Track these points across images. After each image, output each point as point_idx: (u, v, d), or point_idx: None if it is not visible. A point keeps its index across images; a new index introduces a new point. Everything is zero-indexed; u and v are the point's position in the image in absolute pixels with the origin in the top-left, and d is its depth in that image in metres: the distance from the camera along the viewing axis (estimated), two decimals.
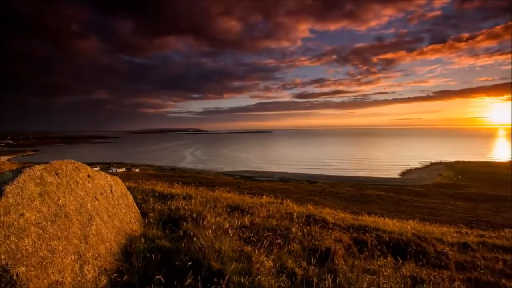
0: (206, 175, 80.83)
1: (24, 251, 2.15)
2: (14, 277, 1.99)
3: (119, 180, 4.66)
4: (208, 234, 3.71)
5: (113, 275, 2.90)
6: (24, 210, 2.35)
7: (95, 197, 3.58)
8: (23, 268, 2.08)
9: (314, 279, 3.20)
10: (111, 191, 4.14)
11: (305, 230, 5.23)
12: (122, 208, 4.20)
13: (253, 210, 6.39)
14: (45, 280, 2.21)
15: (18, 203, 2.34)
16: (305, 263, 3.68)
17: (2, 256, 1.99)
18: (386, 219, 9.07)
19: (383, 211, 34.41)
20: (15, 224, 2.20)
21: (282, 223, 5.38)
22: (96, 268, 2.82)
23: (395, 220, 9.15)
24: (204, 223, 4.33)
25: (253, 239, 4.22)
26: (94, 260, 2.84)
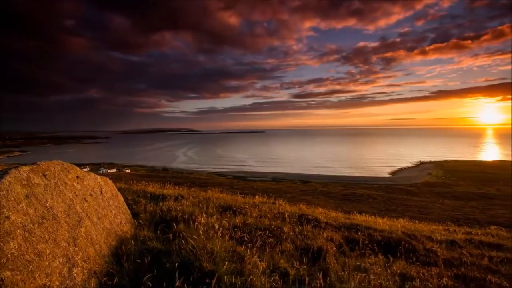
0: (199, 176, 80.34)
1: (9, 255, 2.10)
2: None
3: (109, 181, 4.59)
4: (200, 235, 3.69)
5: (103, 278, 2.86)
6: (10, 213, 2.29)
7: (85, 198, 3.51)
8: (9, 273, 2.03)
9: (306, 278, 3.22)
10: (101, 192, 4.07)
11: (297, 230, 5.26)
12: (112, 209, 4.14)
13: (246, 210, 6.39)
14: (32, 284, 2.16)
15: (3, 205, 2.28)
16: (298, 262, 3.70)
17: None
18: (377, 218, 9.21)
19: (374, 210, 34.92)
20: (0, 227, 2.14)
21: (274, 223, 5.39)
22: (85, 271, 2.77)
23: (385, 219, 9.30)
24: (196, 224, 4.30)
25: (246, 239, 4.22)
26: (83, 262, 2.79)
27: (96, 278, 2.84)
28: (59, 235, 2.68)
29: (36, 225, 2.47)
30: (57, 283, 2.39)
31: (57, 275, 2.42)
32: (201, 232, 3.81)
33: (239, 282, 2.87)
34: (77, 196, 3.36)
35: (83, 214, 3.27)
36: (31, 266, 2.22)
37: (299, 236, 4.99)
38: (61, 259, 2.54)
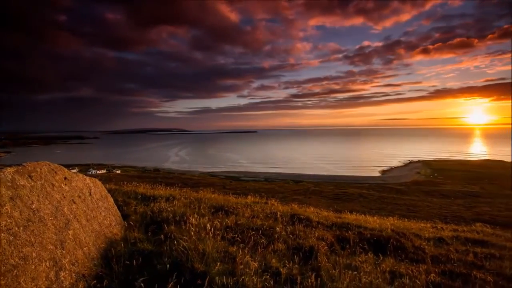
0: (191, 176, 79.71)
1: None
2: None
3: (98, 182, 4.50)
4: (191, 236, 3.67)
5: (92, 281, 2.80)
6: None
7: (73, 200, 3.44)
8: None
9: (298, 278, 3.24)
10: (90, 194, 3.99)
11: (289, 229, 5.29)
12: (101, 211, 4.06)
13: (238, 211, 6.38)
14: None
15: None
16: (290, 262, 3.73)
17: None
18: (368, 216, 9.36)
19: (364, 208, 35.46)
20: None
21: (266, 223, 5.40)
22: (73, 274, 2.71)
23: (376, 217, 9.45)
24: (188, 224, 4.27)
25: (238, 239, 4.22)
26: (71, 266, 2.73)
27: (84, 282, 2.78)
28: (46, 238, 2.61)
29: (21, 228, 2.40)
30: (44, 287, 2.33)
31: (44, 279, 2.36)
32: (192, 233, 3.78)
33: (231, 283, 2.86)
34: (65, 197, 3.28)
35: (71, 216, 3.19)
36: (16, 271, 2.15)
37: (291, 235, 5.02)
38: (48, 263, 2.48)
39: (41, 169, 3.18)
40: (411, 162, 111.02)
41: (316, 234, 5.36)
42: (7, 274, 2.08)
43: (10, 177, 2.66)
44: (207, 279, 2.76)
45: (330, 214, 8.61)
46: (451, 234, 7.75)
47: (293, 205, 8.91)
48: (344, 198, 52.15)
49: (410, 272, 4.18)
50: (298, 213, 7.12)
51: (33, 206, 2.69)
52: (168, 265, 2.92)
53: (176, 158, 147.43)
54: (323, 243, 4.92)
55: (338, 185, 65.96)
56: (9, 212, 2.38)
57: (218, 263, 3.12)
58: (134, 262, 3.03)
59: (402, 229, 7.10)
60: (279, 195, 45.38)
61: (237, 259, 3.37)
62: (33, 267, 2.31)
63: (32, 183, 2.88)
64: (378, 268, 4.20)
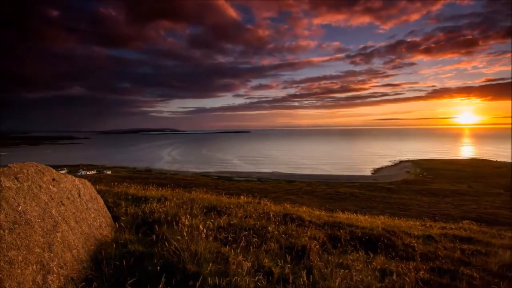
0: (183, 176, 79.09)
1: None
2: None
3: (88, 183, 4.42)
4: (184, 237, 3.64)
5: (81, 284, 2.75)
6: None
7: (61, 201, 3.36)
8: None
9: (290, 277, 3.26)
10: (79, 195, 3.92)
11: (282, 229, 5.31)
12: (91, 212, 3.99)
13: (231, 211, 6.37)
14: None
15: None
16: (282, 261, 3.74)
17: None
18: (359, 215, 9.47)
19: (356, 207, 35.91)
20: None
21: (259, 223, 5.41)
22: (62, 278, 2.65)
23: (367, 216, 9.58)
24: (180, 225, 4.23)
25: (230, 239, 4.21)
26: (59, 269, 2.67)
27: (73, 284, 2.72)
28: (33, 241, 2.55)
29: (6, 231, 2.33)
30: None
31: (30, 283, 2.30)
32: (185, 234, 3.75)
33: (223, 283, 2.85)
34: (53, 199, 3.21)
35: (60, 218, 3.13)
36: (0, 275, 2.09)
37: (284, 235, 5.04)
38: (34, 266, 2.42)
39: (28, 170, 3.10)
40: (401, 162, 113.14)
41: (309, 233, 5.39)
42: None
43: None
44: (199, 280, 2.75)
45: (322, 214, 8.68)
46: (439, 231, 7.93)
47: (285, 204, 8.95)
48: (336, 197, 52.69)
49: (400, 269, 4.26)
50: (291, 212, 7.16)
51: (19, 208, 2.62)
52: (159, 267, 2.89)
53: (168, 158, 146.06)
54: (315, 242, 4.96)
55: (330, 185, 66.59)
56: None
57: (211, 264, 3.11)
58: (125, 264, 2.99)
59: (393, 227, 7.22)
60: (272, 195, 45.51)
61: (229, 259, 3.36)
62: (19, 271, 2.25)
63: (19, 185, 2.81)
64: (369, 266, 4.26)
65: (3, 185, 2.61)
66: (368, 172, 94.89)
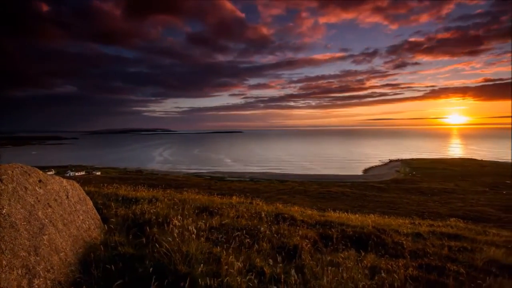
0: (175, 177, 78.34)
1: None
2: None
3: (76, 185, 4.33)
4: (175, 238, 3.61)
5: (69, 287, 2.69)
6: None
7: (48, 203, 3.28)
8: None
9: (282, 276, 3.28)
10: (67, 197, 3.83)
11: (274, 229, 5.33)
12: (80, 214, 3.91)
13: (223, 211, 6.35)
14: None
15: None
16: (274, 261, 3.75)
17: None
18: (350, 214, 9.59)
19: (347, 206, 36.37)
20: None
21: (251, 223, 5.42)
22: (49, 282, 2.58)
23: (358, 215, 9.71)
24: (171, 226, 4.19)
25: (222, 240, 4.20)
26: (46, 273, 2.60)
27: None
28: (18, 244, 2.48)
29: None
30: None
31: (15, 287, 2.24)
32: (176, 235, 3.72)
33: (215, 284, 2.85)
34: (39, 201, 3.13)
35: (46, 220, 3.05)
36: None
37: (276, 235, 5.06)
38: (20, 270, 2.35)
39: (12, 172, 3.01)
40: (391, 161, 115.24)
41: (300, 232, 5.43)
42: None
43: None
44: (190, 280, 2.73)
45: (314, 213, 8.75)
46: (428, 229, 8.11)
47: (278, 204, 8.99)
48: (328, 196, 53.25)
49: (389, 267, 4.34)
50: (283, 212, 7.19)
51: (4, 211, 2.54)
52: (150, 268, 2.85)
53: (160, 158, 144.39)
54: (307, 241, 5.00)
55: (322, 184, 67.21)
56: None
57: (202, 265, 3.09)
58: (114, 267, 2.94)
59: (383, 226, 7.34)
60: (264, 194, 45.63)
61: (221, 260, 3.35)
62: (3, 275, 2.19)
63: (3, 187, 2.73)
64: (359, 264, 4.32)
65: None
66: (359, 172, 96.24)
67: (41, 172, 3.56)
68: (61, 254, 2.97)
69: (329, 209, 10.50)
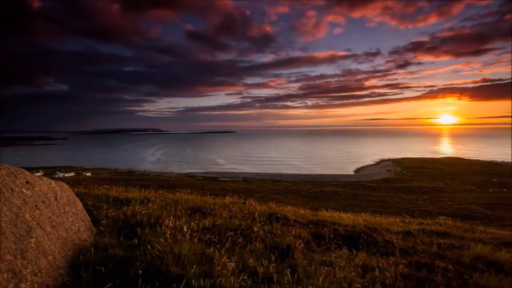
0: (167, 177, 77.59)
1: None
2: None
3: (65, 186, 4.24)
4: (167, 239, 3.57)
5: None
6: None
7: (36, 205, 3.20)
8: None
9: (275, 276, 3.29)
10: (56, 199, 3.75)
11: (267, 229, 5.34)
12: (69, 216, 3.83)
13: (216, 211, 6.32)
14: None
15: None
16: (267, 260, 3.76)
17: None
18: (342, 213, 9.69)
19: (340, 206, 36.78)
20: None
21: (244, 223, 5.41)
22: (36, 286, 2.52)
23: (350, 214, 9.82)
24: (163, 227, 4.15)
25: (215, 240, 4.18)
26: (33, 276, 2.54)
27: None
28: (4, 247, 2.41)
29: None
30: None
31: None
32: (168, 236, 3.69)
33: (208, 284, 2.83)
34: (26, 203, 3.05)
35: (34, 223, 2.97)
36: None
37: (269, 234, 5.07)
38: (5, 275, 2.29)
39: None
40: (382, 161, 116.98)
41: (293, 232, 5.45)
42: None
43: None
44: (183, 282, 2.71)
45: (307, 212, 8.81)
46: (417, 227, 8.27)
47: (271, 204, 9.00)
48: (320, 196, 53.66)
49: (381, 265, 4.41)
50: (276, 212, 7.20)
51: None
52: (141, 270, 2.82)
53: (152, 158, 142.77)
54: (300, 240, 5.03)
55: (314, 184, 67.68)
56: None
57: (195, 266, 3.07)
58: (104, 269, 2.89)
59: (374, 224, 7.45)
60: (258, 194, 45.65)
61: (214, 261, 3.34)
62: None
63: None
64: (351, 262, 4.37)
65: None
66: (351, 171, 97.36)
67: (28, 173, 3.47)
68: (49, 257, 2.90)
69: (321, 209, 10.58)
